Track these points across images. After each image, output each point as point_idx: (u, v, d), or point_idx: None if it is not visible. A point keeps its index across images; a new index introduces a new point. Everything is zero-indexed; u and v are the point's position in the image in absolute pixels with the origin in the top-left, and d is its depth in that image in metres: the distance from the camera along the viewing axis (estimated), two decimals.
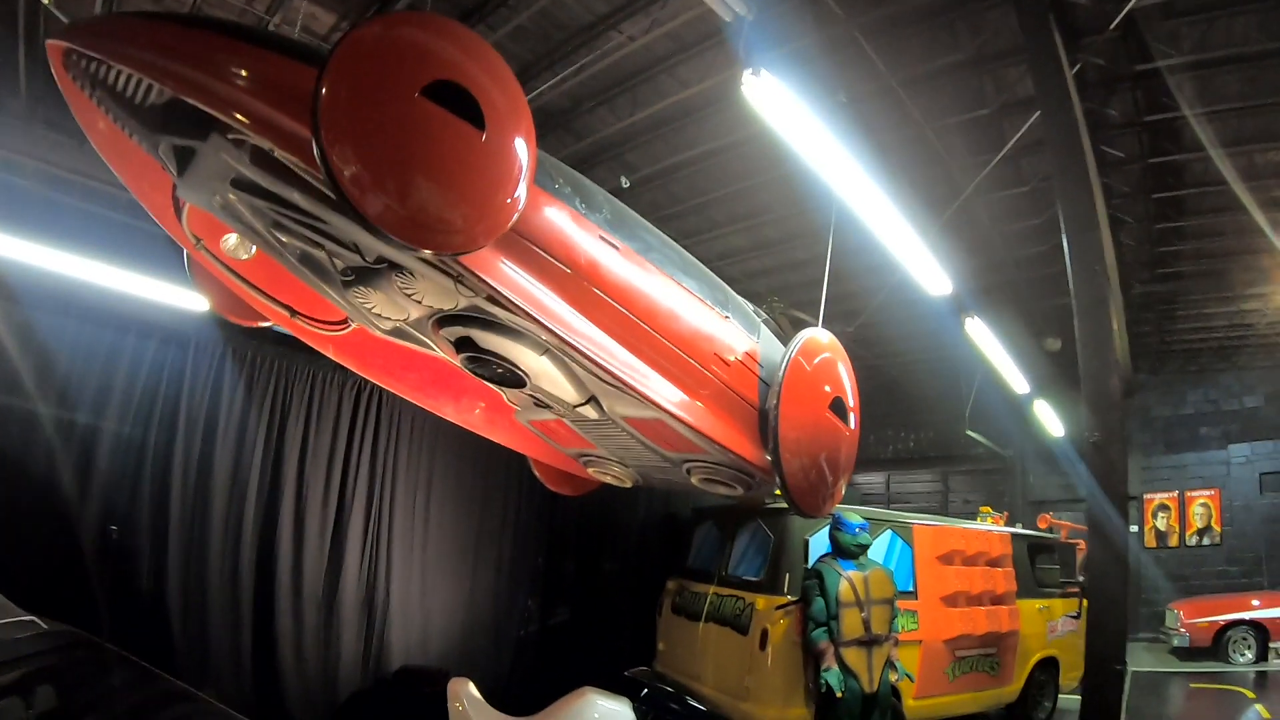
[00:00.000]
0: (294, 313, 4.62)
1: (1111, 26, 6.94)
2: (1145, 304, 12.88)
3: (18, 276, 5.76)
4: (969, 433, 13.76)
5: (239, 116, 2.93)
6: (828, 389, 4.99)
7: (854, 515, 6.52)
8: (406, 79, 2.77)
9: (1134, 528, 13.98)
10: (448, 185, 2.87)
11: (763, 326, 5.26)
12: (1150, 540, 14.55)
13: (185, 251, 4.51)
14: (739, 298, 5.20)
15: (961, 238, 9.34)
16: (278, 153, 2.97)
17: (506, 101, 3.05)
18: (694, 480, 5.58)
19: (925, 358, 14.34)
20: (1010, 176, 9.29)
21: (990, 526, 9.35)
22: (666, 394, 4.32)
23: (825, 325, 5.52)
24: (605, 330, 4.02)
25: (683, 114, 8.84)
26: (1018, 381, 11.08)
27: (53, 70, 3.28)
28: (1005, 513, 12.05)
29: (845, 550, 6.32)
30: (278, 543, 6.69)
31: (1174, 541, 14.50)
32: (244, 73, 3.02)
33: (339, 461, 7.04)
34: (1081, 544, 10.37)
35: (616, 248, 4.16)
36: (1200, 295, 12.68)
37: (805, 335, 5.03)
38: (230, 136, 3.17)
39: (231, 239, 4.07)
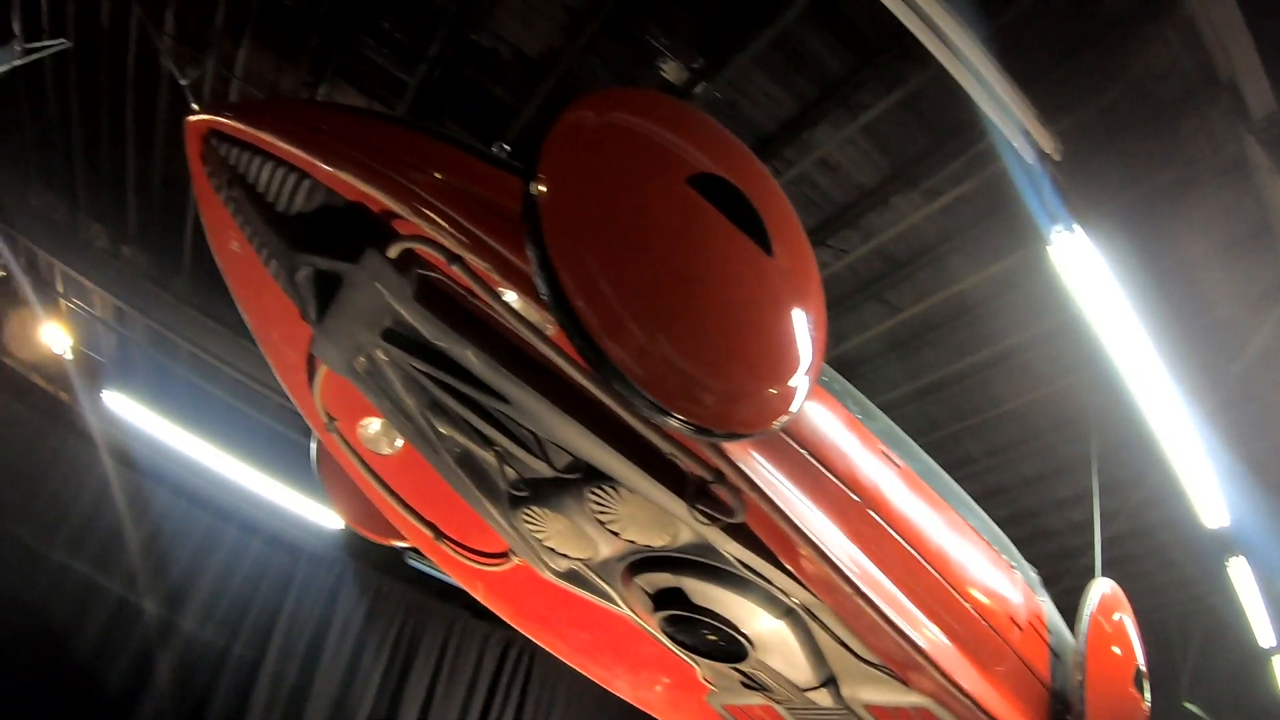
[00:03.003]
0: (440, 535, 3.43)
1: None
2: None
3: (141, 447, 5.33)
4: (1186, 704, 11.03)
5: (413, 201, 2.00)
6: (1128, 658, 3.86)
7: None
8: (665, 161, 1.93)
9: None
10: (731, 315, 1.88)
11: (1040, 582, 4.17)
12: None
13: (313, 440, 3.59)
14: (1011, 543, 4.11)
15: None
16: (460, 269, 1.99)
17: (790, 228, 2.09)
18: None
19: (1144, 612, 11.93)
20: (1250, 390, 7.56)
21: None
22: (958, 666, 2.97)
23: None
24: (892, 578, 2.77)
25: (885, 350, 7.44)
26: (1264, 634, 8.77)
27: (188, 160, 2.57)
28: None
29: None
30: None
31: None
32: (422, 161, 2.17)
33: None
34: None
35: (898, 468, 3.11)
36: None
37: (1098, 589, 3.90)
38: (391, 253, 2.14)
39: (373, 425, 3.11)
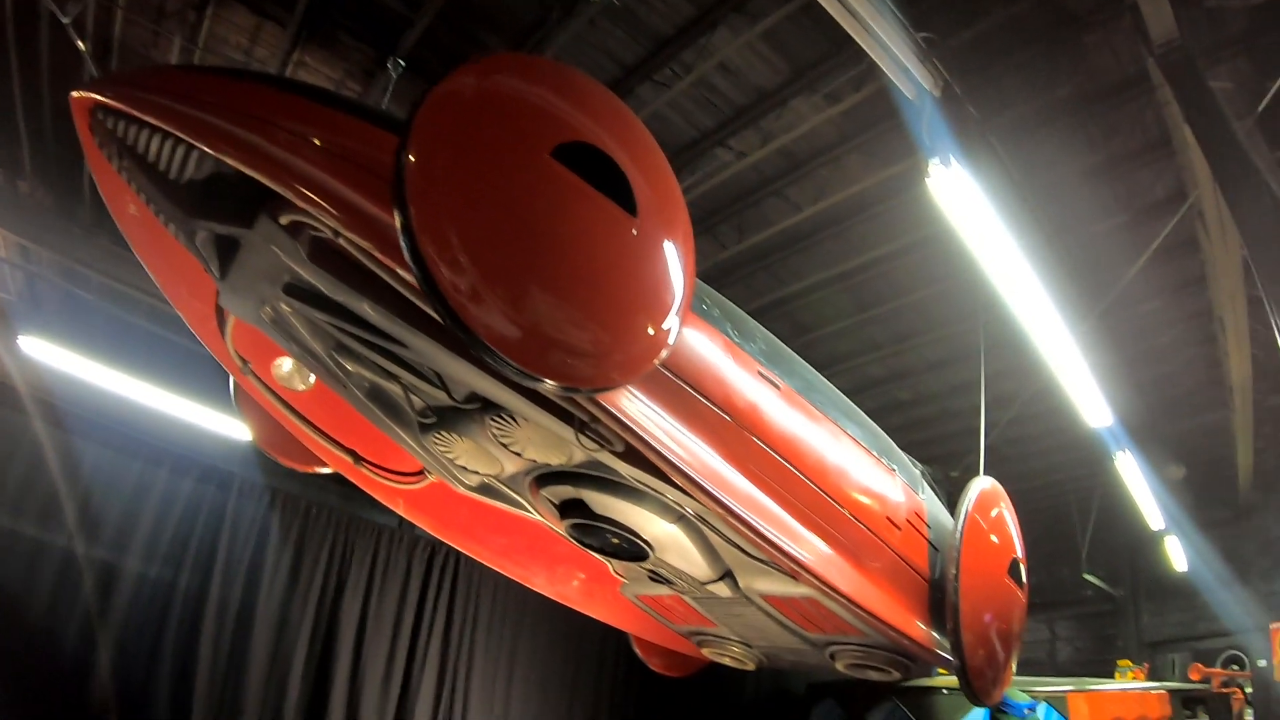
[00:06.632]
0: (358, 459, 3.70)
1: (1261, 107, 5.91)
2: (1264, 419, 11.35)
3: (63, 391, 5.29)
4: (1086, 575, 12.09)
5: (293, 183, 2.07)
6: (1004, 549, 4.19)
7: (1021, 694, 5.20)
8: (530, 134, 2.00)
9: (1262, 661, 12.13)
10: (589, 281, 2.02)
11: (922, 479, 4.42)
12: None
13: (231, 381, 3.71)
14: (896, 446, 4.36)
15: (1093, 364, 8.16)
16: (344, 240, 2.11)
17: (659, 182, 2.21)
18: (839, 665, 4.60)
19: (1036, 494, 12.80)
20: (1135, 294, 8.08)
21: (1145, 685, 7.84)
22: (833, 569, 3.35)
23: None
24: (768, 492, 3.06)
25: (789, 243, 7.75)
26: (1154, 517, 9.63)
27: (78, 133, 2.60)
28: (1145, 665, 10.31)
29: None
30: None
31: None
32: (301, 129, 2.21)
33: (406, 631, 5.86)
34: (1238, 693, 9.13)
35: (777, 387, 3.31)
36: None
37: (976, 487, 4.20)
38: (282, 220, 2.31)
39: (286, 364, 3.30)
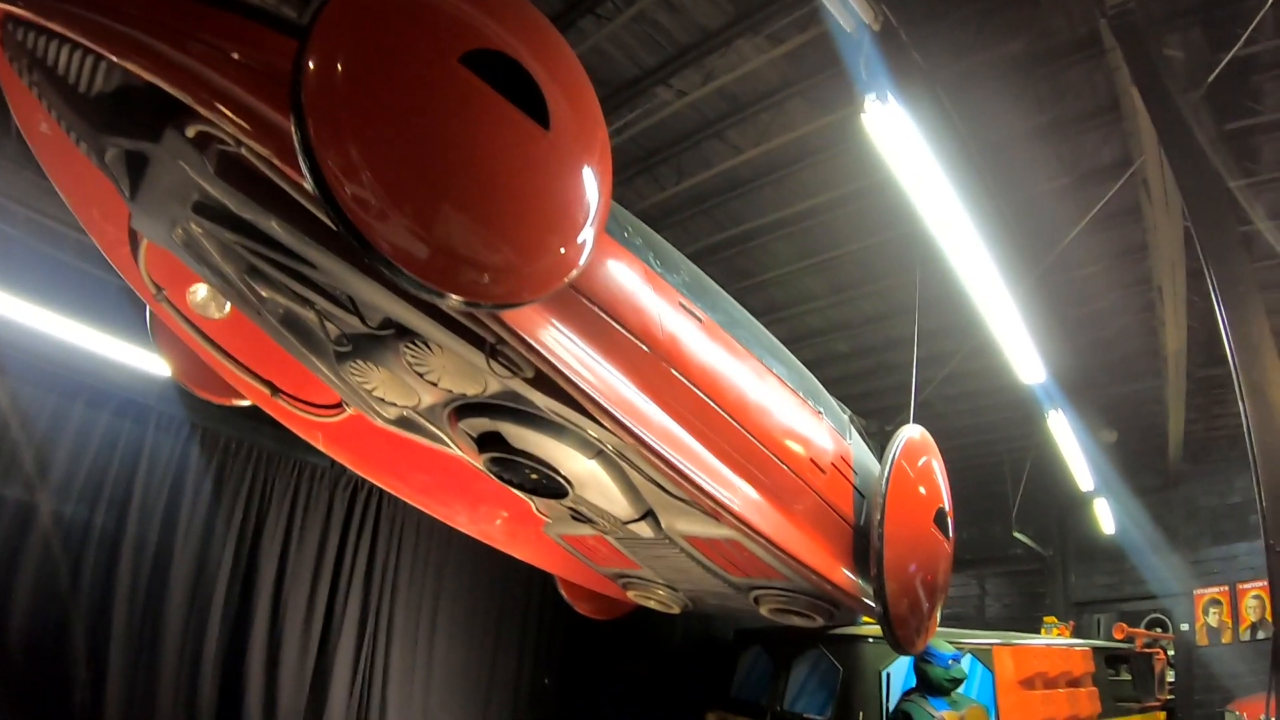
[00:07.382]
0: (276, 391, 3.64)
1: (1210, 79, 6.03)
2: (1196, 390, 11.75)
3: None
4: (1016, 534, 12.51)
5: (190, 85, 1.99)
6: (930, 499, 4.20)
7: (945, 644, 5.36)
8: (438, 38, 1.92)
9: (1185, 626, 12.67)
10: (495, 195, 1.94)
11: (850, 425, 4.43)
12: (1202, 639, 13.10)
13: (148, 311, 3.64)
14: (823, 389, 4.35)
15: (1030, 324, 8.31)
16: (248, 151, 2.06)
17: (577, 96, 2.15)
18: (762, 610, 4.69)
19: (970, 451, 13.15)
20: (1076, 257, 8.23)
21: (1069, 641, 8.16)
22: (754, 510, 3.33)
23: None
24: (686, 427, 3.03)
25: (729, 187, 7.73)
26: (1084, 479, 9.94)
27: None
28: (1071, 622, 10.73)
29: (936, 686, 5.14)
30: (247, 664, 5.51)
31: (1227, 638, 13.04)
32: (203, 34, 2.12)
33: (327, 571, 5.86)
34: (1160, 654, 9.45)
35: (699, 320, 3.27)
36: None
37: (905, 435, 4.21)
38: (189, 133, 2.24)
39: (201, 291, 3.20)
